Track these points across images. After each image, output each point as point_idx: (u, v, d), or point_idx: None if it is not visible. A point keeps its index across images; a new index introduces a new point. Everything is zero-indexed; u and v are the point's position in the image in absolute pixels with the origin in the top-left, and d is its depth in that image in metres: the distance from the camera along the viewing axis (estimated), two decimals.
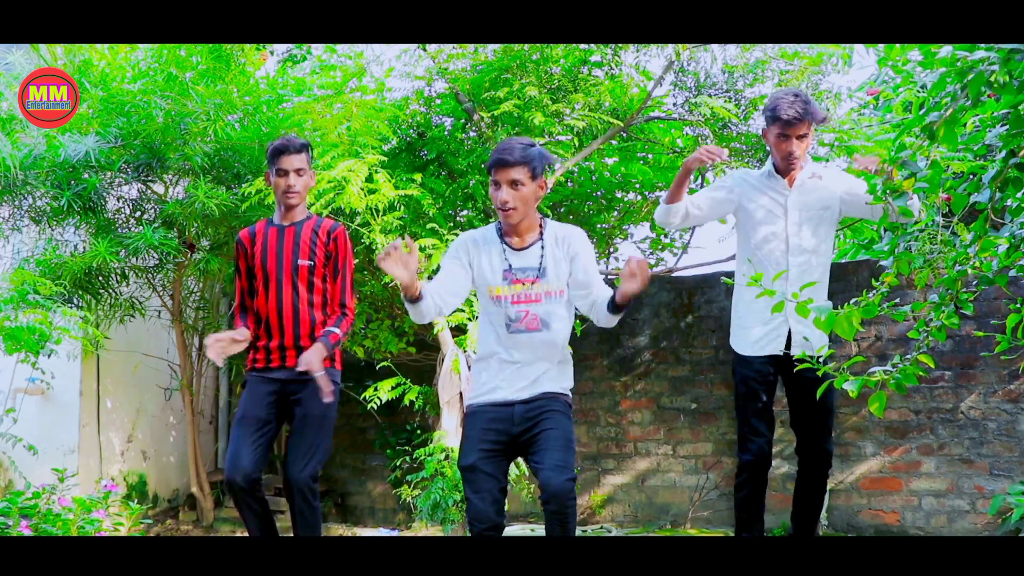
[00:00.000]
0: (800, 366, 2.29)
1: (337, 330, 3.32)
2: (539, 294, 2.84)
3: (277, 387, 3.32)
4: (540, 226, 2.91)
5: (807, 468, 3.34)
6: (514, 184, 2.78)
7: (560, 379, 2.88)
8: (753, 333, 3.29)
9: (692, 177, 3.46)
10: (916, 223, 2.12)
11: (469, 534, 2.77)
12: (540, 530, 4.86)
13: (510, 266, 2.85)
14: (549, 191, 3.01)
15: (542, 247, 2.87)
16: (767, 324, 3.25)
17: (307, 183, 3.40)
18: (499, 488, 2.76)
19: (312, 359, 3.19)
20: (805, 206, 3.26)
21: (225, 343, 3.25)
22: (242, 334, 3.31)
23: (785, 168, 3.28)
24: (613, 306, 2.75)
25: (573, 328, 3.00)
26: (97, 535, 4.08)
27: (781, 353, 3.20)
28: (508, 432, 2.79)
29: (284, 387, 3.31)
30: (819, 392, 2.31)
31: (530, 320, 2.83)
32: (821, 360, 2.16)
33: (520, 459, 4.67)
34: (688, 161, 3.31)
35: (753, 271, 3.21)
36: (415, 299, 2.72)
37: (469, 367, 4.78)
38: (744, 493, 3.29)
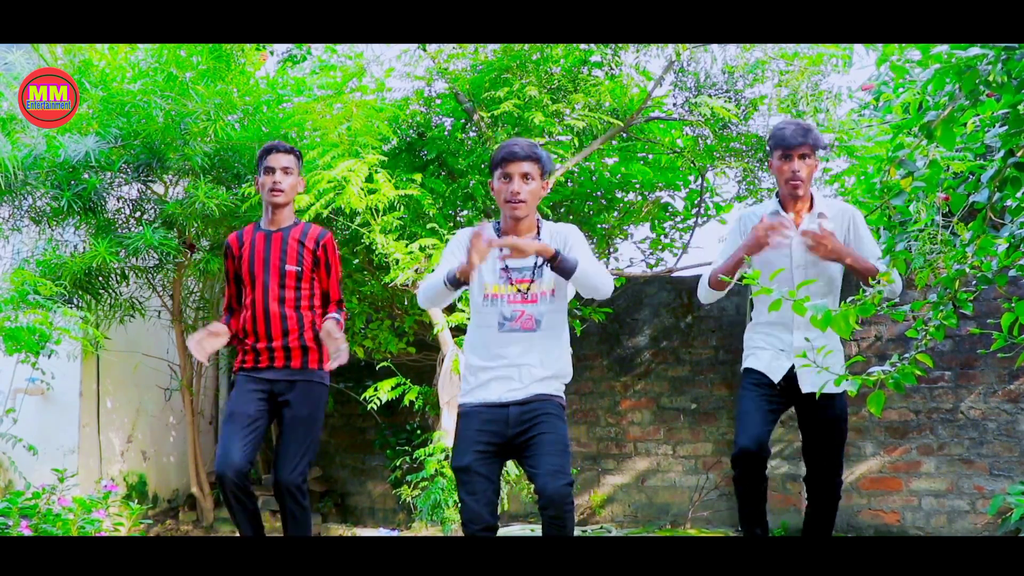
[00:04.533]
0: (803, 365, 2.29)
1: (339, 316, 3.43)
2: (535, 294, 2.84)
3: (266, 386, 3.39)
4: (537, 226, 2.92)
5: (817, 500, 3.34)
6: (525, 177, 2.82)
7: (554, 381, 2.86)
8: (759, 356, 3.30)
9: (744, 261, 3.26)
10: (915, 222, 2.12)
11: (464, 535, 2.77)
12: (540, 530, 4.86)
13: (506, 266, 2.86)
14: (548, 191, 3.02)
15: None
16: (772, 355, 3.25)
17: (294, 185, 3.45)
18: (493, 489, 2.77)
19: (331, 328, 3.32)
20: (810, 248, 3.22)
21: (203, 338, 3.36)
22: (217, 327, 3.41)
23: (789, 193, 3.21)
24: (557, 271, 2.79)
25: (572, 328, 2.99)
26: (97, 535, 4.08)
27: (779, 383, 3.21)
28: (503, 434, 2.78)
29: (273, 387, 3.38)
30: (818, 392, 2.30)
31: (524, 320, 2.83)
32: (820, 362, 2.16)
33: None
34: (749, 248, 3.16)
35: (763, 303, 3.18)
36: (460, 284, 2.82)
37: None
38: (738, 490, 3.29)
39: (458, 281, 2.78)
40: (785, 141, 3.17)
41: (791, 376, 3.19)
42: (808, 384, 3.13)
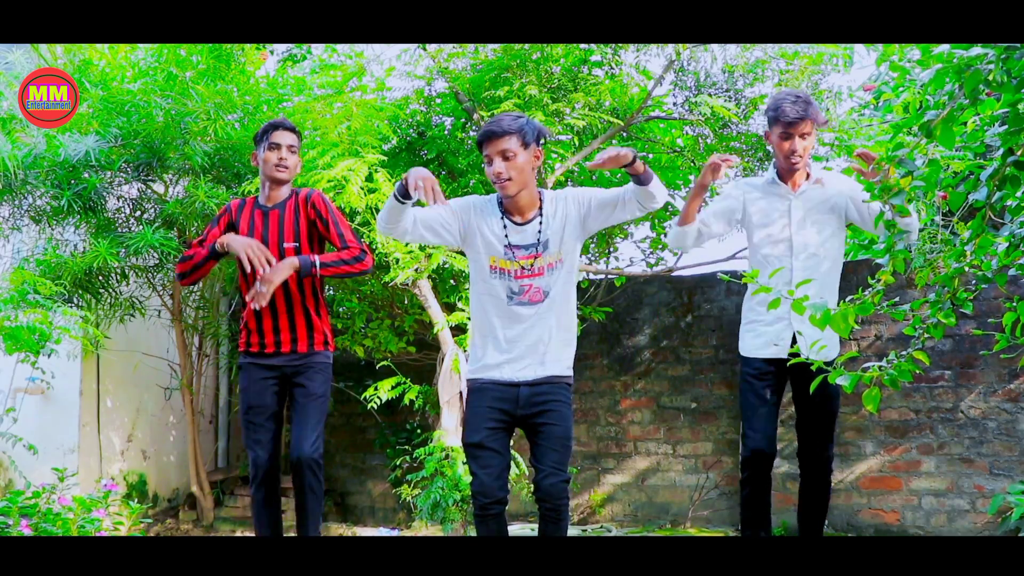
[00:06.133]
0: (794, 360, 2.30)
1: (321, 258, 3.31)
2: (541, 267, 2.85)
3: (276, 373, 3.42)
4: (540, 199, 2.90)
5: (809, 474, 3.37)
6: (505, 155, 2.77)
7: (563, 356, 2.88)
8: (756, 335, 3.30)
9: (707, 193, 3.40)
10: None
11: (473, 508, 2.81)
12: (539, 530, 4.86)
13: (510, 243, 2.86)
14: (541, 159, 2.96)
15: (540, 221, 2.87)
16: (769, 327, 3.26)
17: (296, 164, 3.47)
18: (504, 464, 2.81)
19: (274, 270, 3.23)
20: (809, 209, 3.26)
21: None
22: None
23: (787, 168, 3.26)
24: (636, 180, 2.76)
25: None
26: (97, 535, 4.08)
27: (783, 356, 3.21)
28: (512, 412, 2.83)
29: (282, 371, 3.41)
30: (812, 386, 2.30)
31: (533, 292, 2.84)
32: (815, 356, 2.16)
33: (520, 458, 4.69)
34: (703, 177, 3.25)
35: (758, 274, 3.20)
36: (406, 197, 2.74)
37: None
38: (746, 492, 3.29)
39: (406, 192, 2.72)
40: (787, 121, 3.18)
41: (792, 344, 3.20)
42: (804, 348, 3.14)
